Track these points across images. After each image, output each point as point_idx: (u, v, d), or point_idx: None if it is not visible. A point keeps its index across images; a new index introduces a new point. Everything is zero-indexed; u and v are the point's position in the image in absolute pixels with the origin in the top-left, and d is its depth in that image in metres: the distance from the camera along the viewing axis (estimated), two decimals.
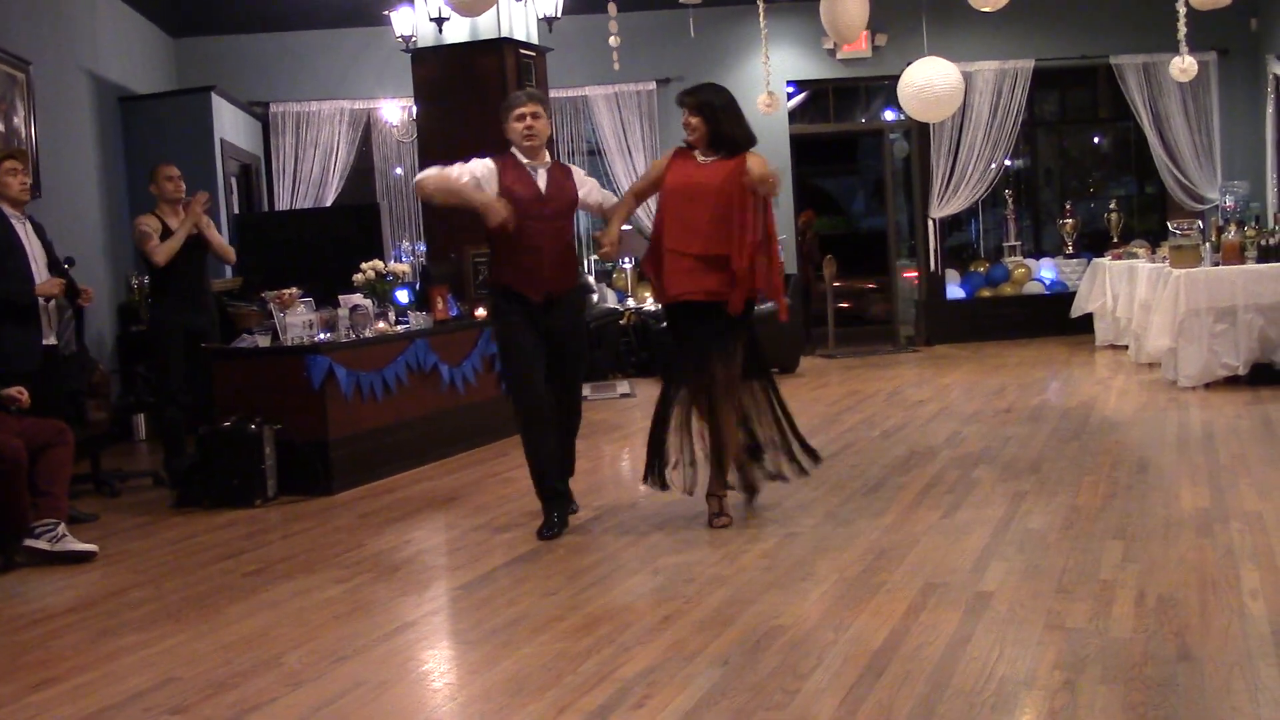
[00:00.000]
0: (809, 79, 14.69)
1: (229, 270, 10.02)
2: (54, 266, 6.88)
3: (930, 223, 14.49)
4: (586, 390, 11.54)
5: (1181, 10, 9.31)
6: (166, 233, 7.79)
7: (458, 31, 10.16)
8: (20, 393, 6.16)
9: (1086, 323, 12.91)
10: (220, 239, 8.25)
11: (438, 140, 10.24)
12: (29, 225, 6.80)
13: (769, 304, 6.25)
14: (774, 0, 12.35)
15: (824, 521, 5.93)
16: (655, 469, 6.11)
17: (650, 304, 13.68)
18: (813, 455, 6.27)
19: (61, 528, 6.00)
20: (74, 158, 10.16)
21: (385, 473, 7.85)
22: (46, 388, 6.56)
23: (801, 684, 3.76)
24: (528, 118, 5.95)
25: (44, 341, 6.73)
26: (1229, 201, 12.41)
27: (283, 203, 13.53)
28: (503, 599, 4.97)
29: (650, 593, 4.92)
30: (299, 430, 7.38)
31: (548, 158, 6.12)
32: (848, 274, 16.47)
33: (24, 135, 9.08)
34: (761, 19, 10.00)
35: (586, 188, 6.22)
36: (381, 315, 8.26)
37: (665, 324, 6.08)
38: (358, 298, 8.16)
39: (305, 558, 5.90)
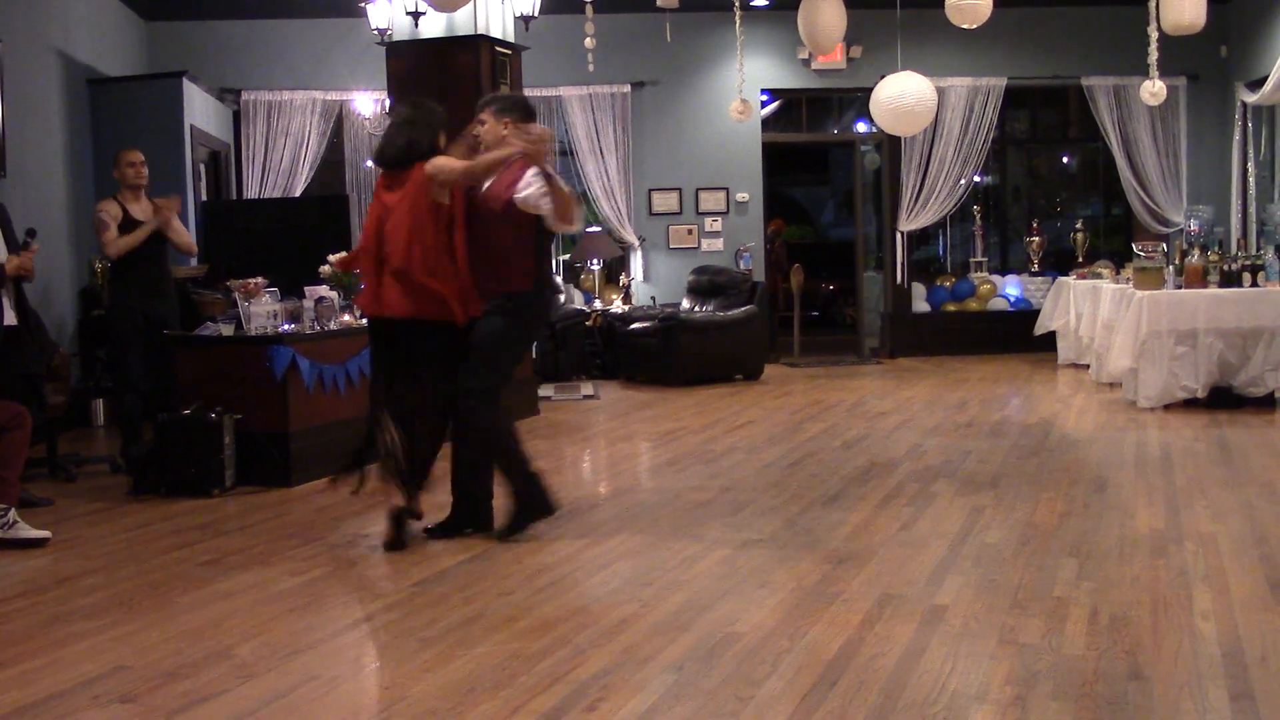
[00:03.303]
0: (783, 88, 14.73)
1: (195, 259, 9.94)
2: (13, 248, 6.79)
3: (898, 235, 14.56)
4: (550, 391, 11.57)
5: (1153, 35, 9.39)
6: (127, 219, 7.73)
7: (433, 26, 10.12)
8: None
9: (1049, 340, 13.00)
10: (184, 235, 8.16)
11: None
12: None
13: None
14: (750, 8, 12.39)
15: (782, 530, 5.94)
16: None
17: (617, 305, 13.71)
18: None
19: (13, 514, 5.93)
20: (41, 138, 10.06)
21: None
22: (5, 369, 6.48)
23: (755, 691, 3.77)
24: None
25: (4, 322, 6.65)
26: (1193, 226, 12.51)
27: (251, 191, 13.45)
28: (458, 597, 4.95)
29: (606, 596, 4.92)
30: (259, 421, 7.33)
31: None
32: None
33: None
34: (738, 26, 10.02)
35: None
36: (347, 308, 8.21)
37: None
38: (323, 289, 8.11)
39: (261, 549, 5.86)
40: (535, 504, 5.89)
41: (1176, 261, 10.23)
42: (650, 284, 14.30)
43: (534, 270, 5.88)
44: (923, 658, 4.03)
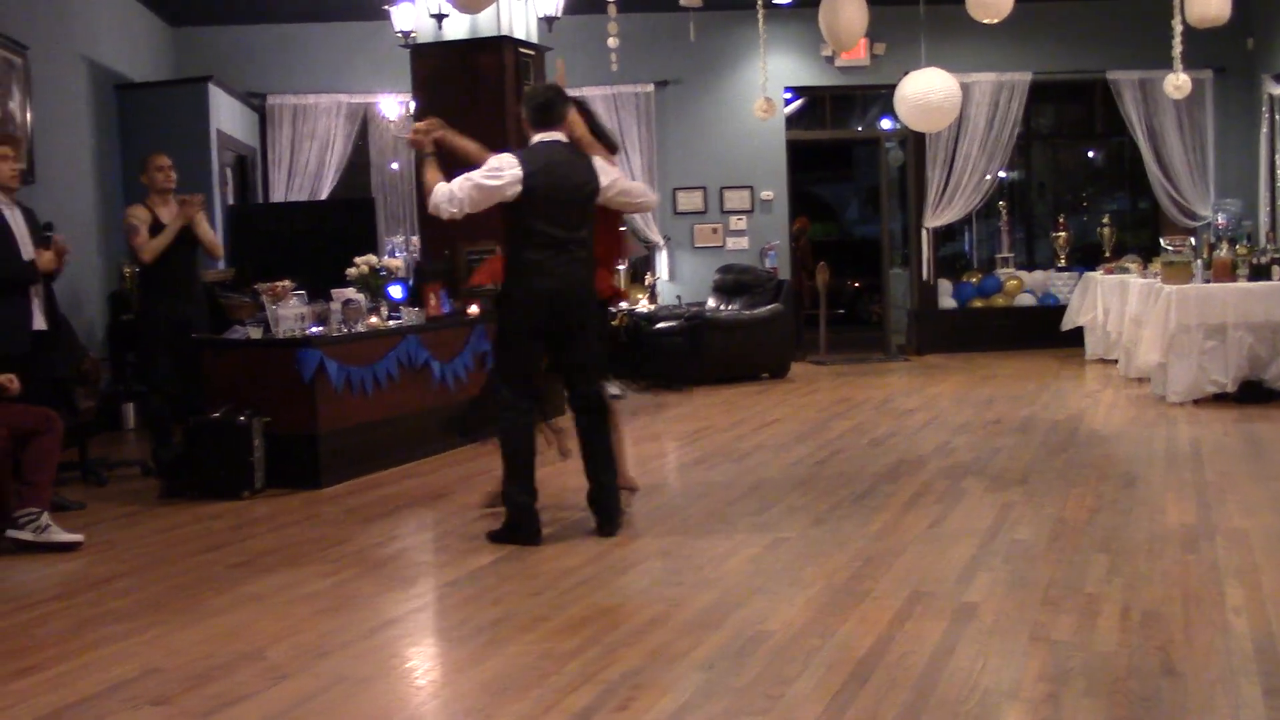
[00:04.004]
0: (806, 85, 14.71)
1: (222, 261, 9.99)
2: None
3: (924, 232, 14.51)
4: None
5: (1177, 28, 9.33)
6: (156, 224, 7.77)
7: (457, 28, 10.16)
8: (10, 380, 6.13)
9: (1077, 336, 12.94)
10: (211, 235, 8.20)
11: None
12: (18, 212, 6.74)
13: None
14: (774, 6, 12.37)
15: (812, 527, 5.93)
16: None
17: (642, 305, 13.70)
18: None
19: (45, 517, 5.97)
20: (69, 144, 10.13)
21: (374, 468, 7.84)
22: (36, 374, 6.52)
23: (786, 689, 3.77)
24: None
25: (34, 327, 6.69)
26: (1221, 219, 12.44)
27: (278, 194, 13.49)
28: (488, 597, 4.96)
29: (636, 594, 4.92)
30: (288, 423, 7.36)
31: None
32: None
33: (19, 120, 9.05)
34: (761, 25, 10.01)
35: None
36: (374, 310, 8.24)
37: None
38: (350, 292, 8.15)
39: (291, 551, 5.88)
40: (517, 529, 5.86)
41: (1205, 255, 10.16)
42: (676, 283, 14.29)
43: (506, 262, 6.02)
44: (954, 655, 4.01)
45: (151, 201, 7.87)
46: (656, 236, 14.18)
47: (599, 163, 5.99)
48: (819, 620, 4.46)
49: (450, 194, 5.73)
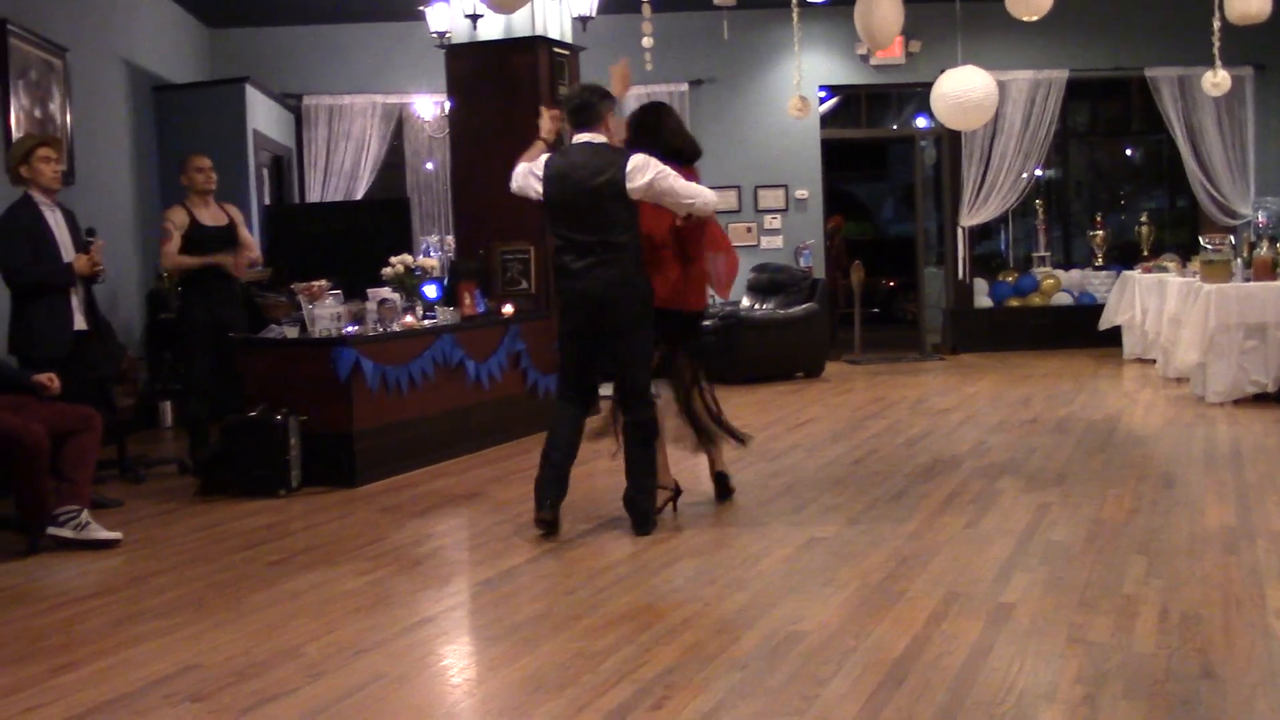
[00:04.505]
0: (841, 84, 14.66)
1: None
2: (81, 251, 6.89)
3: (959, 231, 14.45)
4: (609, 389, 11.56)
5: (1216, 24, 9.26)
6: (195, 225, 7.80)
7: (492, 28, 10.18)
8: (50, 379, 6.19)
9: (1114, 335, 12.85)
10: (255, 250, 8.32)
11: (470, 137, 10.26)
12: (59, 213, 6.81)
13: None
14: (808, 4, 12.34)
15: (846, 528, 5.91)
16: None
17: None
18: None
19: (85, 514, 6.02)
20: (108, 145, 10.22)
21: (409, 466, 7.87)
22: (76, 373, 6.59)
23: (821, 690, 3.76)
24: None
25: (75, 327, 6.76)
26: (1262, 217, 12.30)
27: (313, 195, 13.56)
28: (524, 596, 4.97)
29: (670, 594, 4.92)
30: (324, 422, 7.40)
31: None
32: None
33: (59, 122, 9.14)
34: (795, 23, 9.98)
35: None
36: (409, 309, 8.27)
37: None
38: (386, 291, 8.18)
39: (327, 549, 5.91)
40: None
41: (1245, 254, 10.07)
42: None
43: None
44: (990, 656, 3.99)
45: (191, 202, 7.92)
46: None
47: (638, 160, 5.83)
48: (854, 620, 4.45)
49: (517, 172, 6.09)
